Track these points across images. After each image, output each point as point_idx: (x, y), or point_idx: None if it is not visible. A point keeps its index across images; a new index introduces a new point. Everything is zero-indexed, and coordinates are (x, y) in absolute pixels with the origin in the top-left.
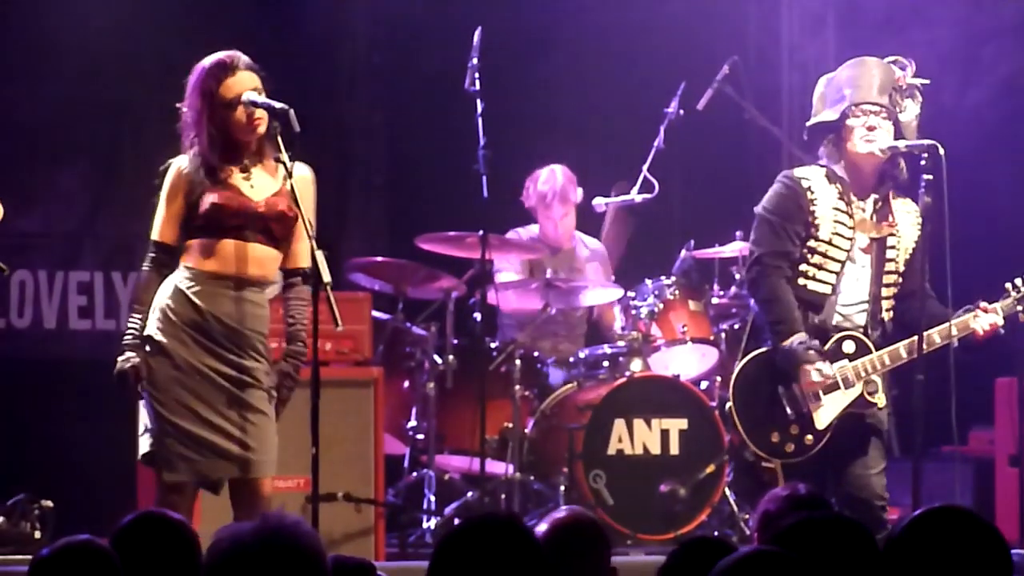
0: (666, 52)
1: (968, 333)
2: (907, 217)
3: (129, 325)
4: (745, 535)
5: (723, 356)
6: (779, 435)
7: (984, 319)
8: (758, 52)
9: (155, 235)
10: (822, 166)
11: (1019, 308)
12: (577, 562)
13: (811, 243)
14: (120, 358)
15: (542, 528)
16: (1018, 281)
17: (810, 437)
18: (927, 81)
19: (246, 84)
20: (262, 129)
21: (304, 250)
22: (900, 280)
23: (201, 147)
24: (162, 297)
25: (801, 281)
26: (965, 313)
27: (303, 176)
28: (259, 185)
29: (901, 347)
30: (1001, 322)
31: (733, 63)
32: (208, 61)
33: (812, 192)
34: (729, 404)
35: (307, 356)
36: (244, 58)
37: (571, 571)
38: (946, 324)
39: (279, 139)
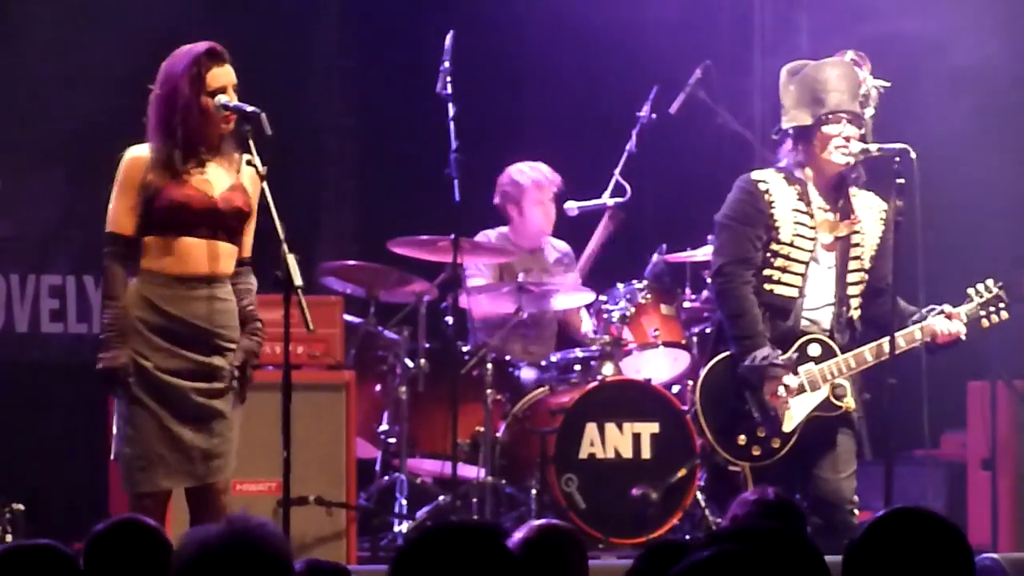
0: (639, 56)
1: (931, 337)
2: (869, 213)
3: (107, 322)
4: None
5: (695, 360)
6: (746, 438)
7: (946, 324)
8: (731, 56)
9: (112, 227)
10: (781, 168)
11: (982, 313)
12: (555, 571)
13: (773, 246)
14: (105, 355)
15: (518, 536)
16: (980, 287)
17: (777, 440)
18: (888, 84)
19: (229, 78)
20: (230, 127)
21: (248, 242)
22: (866, 277)
23: (174, 128)
24: (128, 306)
25: (767, 286)
26: (930, 316)
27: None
28: (215, 180)
29: (867, 351)
30: (964, 329)
31: (706, 67)
32: (199, 46)
33: (770, 195)
34: (696, 407)
35: (265, 332)
36: (227, 53)
37: None
38: (910, 329)
39: (251, 142)
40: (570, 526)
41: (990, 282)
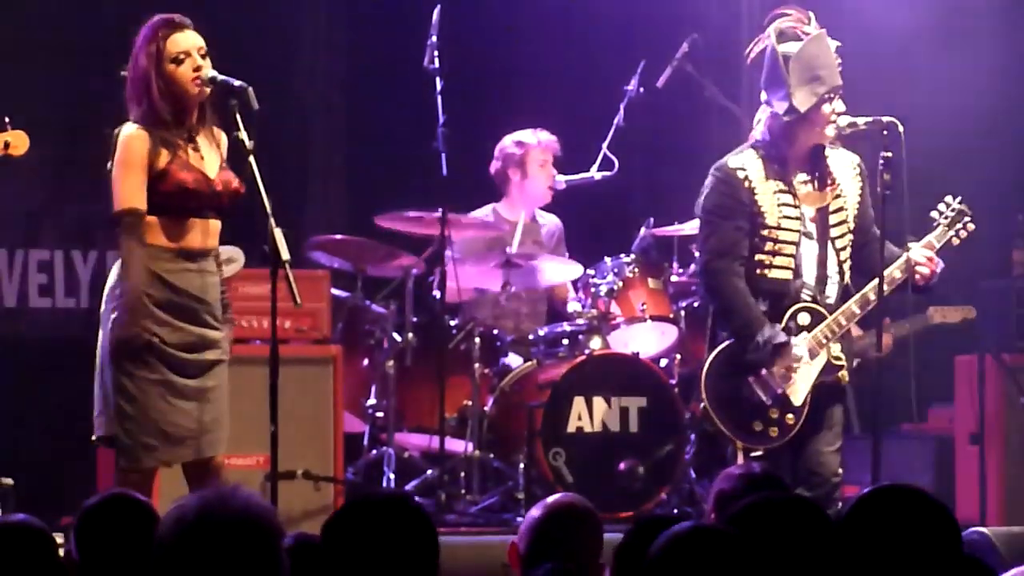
0: (626, 30)
1: (910, 272)
2: (846, 172)
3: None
4: (704, 512)
5: (682, 334)
6: (761, 423)
7: (919, 251)
8: (718, 30)
9: (128, 203)
10: (755, 147)
11: (951, 233)
12: (571, 546)
13: (762, 232)
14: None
15: (536, 513)
16: (941, 207)
17: (791, 416)
18: (839, 43)
19: (192, 41)
20: (205, 91)
21: None
22: (853, 239)
23: (151, 106)
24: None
25: (759, 271)
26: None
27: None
28: (208, 159)
29: (853, 304)
30: (937, 247)
31: (693, 41)
32: (154, 19)
33: (750, 181)
34: (704, 404)
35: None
36: (188, 20)
37: (565, 556)
38: (890, 270)
39: (238, 117)
40: (586, 501)
41: (949, 198)
